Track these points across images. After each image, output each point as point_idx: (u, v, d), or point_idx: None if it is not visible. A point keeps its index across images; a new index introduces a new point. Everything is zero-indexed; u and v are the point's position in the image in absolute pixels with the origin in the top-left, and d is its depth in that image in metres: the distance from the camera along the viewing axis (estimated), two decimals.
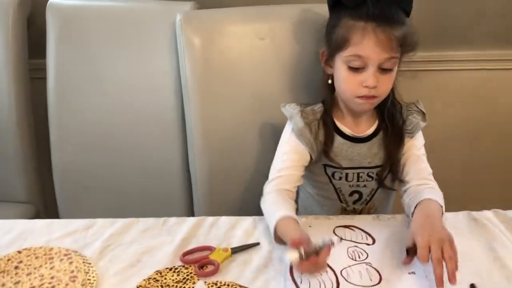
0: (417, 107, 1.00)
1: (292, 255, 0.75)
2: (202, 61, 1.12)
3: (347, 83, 0.93)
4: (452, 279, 0.72)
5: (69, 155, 1.26)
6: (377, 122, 1.00)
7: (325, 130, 0.98)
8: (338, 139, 0.98)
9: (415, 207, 0.88)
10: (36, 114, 1.38)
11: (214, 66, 1.13)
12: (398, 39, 0.89)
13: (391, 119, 0.99)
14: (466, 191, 1.61)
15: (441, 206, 0.88)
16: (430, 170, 0.98)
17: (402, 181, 0.99)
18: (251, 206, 1.18)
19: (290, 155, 0.98)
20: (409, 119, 0.99)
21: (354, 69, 0.90)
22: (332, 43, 0.94)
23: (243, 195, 1.18)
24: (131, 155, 1.24)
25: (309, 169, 1.01)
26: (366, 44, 0.88)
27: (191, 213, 1.25)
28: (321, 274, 0.77)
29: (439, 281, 0.72)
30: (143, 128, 1.22)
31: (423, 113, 1.00)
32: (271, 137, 1.12)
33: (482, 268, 0.78)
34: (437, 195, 0.91)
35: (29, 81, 1.35)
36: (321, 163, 1.00)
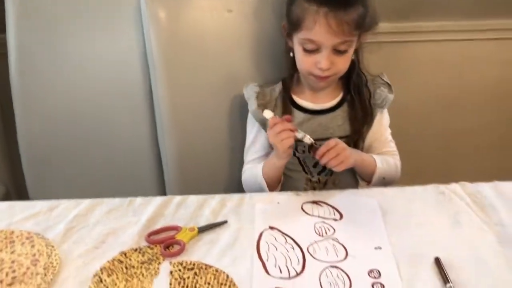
0: (382, 80, 1.01)
1: (267, 113, 0.89)
2: (168, 35, 1.09)
3: (302, 63, 0.94)
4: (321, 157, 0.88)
5: (35, 132, 1.22)
6: (341, 94, 1.01)
7: (282, 108, 1.00)
8: (297, 114, 1.00)
9: None
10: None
11: (180, 40, 1.10)
12: (353, 22, 0.88)
13: (357, 92, 0.99)
14: (440, 161, 1.64)
15: (376, 163, 0.97)
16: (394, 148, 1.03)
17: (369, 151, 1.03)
18: (222, 182, 1.18)
19: (253, 147, 1.04)
20: (377, 92, 1.00)
21: (309, 51, 0.91)
22: (289, 21, 0.94)
23: (214, 169, 1.17)
24: (98, 132, 1.20)
25: None
26: (318, 30, 0.88)
27: (162, 189, 1.24)
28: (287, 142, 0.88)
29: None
30: (110, 104, 1.19)
31: (389, 85, 1.00)
32: (241, 109, 1.12)
33: (447, 242, 0.79)
34: (380, 157, 0.98)
35: None
36: None
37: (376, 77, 1.02)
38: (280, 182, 1.01)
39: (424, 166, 1.52)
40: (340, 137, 0.98)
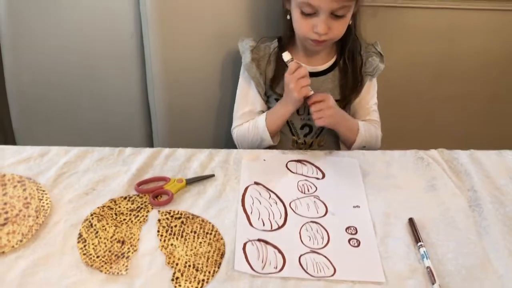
0: (375, 49, 1.03)
1: (286, 55, 0.94)
2: None
3: (299, 26, 0.95)
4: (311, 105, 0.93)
5: (24, 82, 1.23)
6: (334, 58, 1.03)
7: (276, 65, 1.01)
8: None
9: None
10: None
11: None
12: None
13: (350, 58, 1.01)
14: (423, 127, 1.67)
15: (358, 127, 1.00)
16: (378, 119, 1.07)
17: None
18: (210, 137, 1.21)
19: (244, 100, 1.05)
20: (369, 61, 1.02)
21: (306, 14, 0.92)
22: None
23: (202, 124, 1.20)
24: (89, 82, 1.21)
25: (269, 102, 1.05)
26: None
27: (150, 142, 1.26)
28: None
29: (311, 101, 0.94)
30: (101, 55, 1.19)
31: (381, 55, 1.02)
32: (233, 65, 1.13)
33: (421, 204, 0.84)
34: (364, 125, 1.02)
35: None
36: (274, 97, 1.03)
37: (369, 45, 1.04)
38: (278, 136, 1.04)
39: (408, 132, 1.56)
40: None
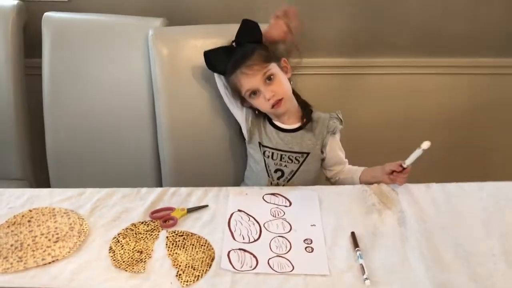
0: (337, 115, 1.34)
1: None
2: (169, 67, 1.42)
3: (259, 105, 1.29)
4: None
5: (61, 140, 1.55)
6: (300, 123, 1.34)
7: (265, 122, 1.35)
8: (269, 128, 1.33)
9: (362, 173, 1.33)
10: (31, 106, 1.64)
11: (179, 72, 1.42)
12: (258, 62, 1.23)
13: (310, 120, 1.34)
14: None
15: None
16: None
17: (327, 167, 1.38)
18: (208, 180, 1.49)
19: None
20: (330, 123, 1.33)
21: (254, 95, 1.27)
22: (232, 92, 1.32)
23: (202, 171, 1.49)
24: (112, 140, 1.53)
25: (252, 147, 1.35)
26: (244, 81, 1.25)
27: (159, 184, 1.55)
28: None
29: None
30: (121, 118, 1.51)
31: (341, 120, 1.34)
32: (226, 127, 1.44)
33: (361, 222, 1.12)
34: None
35: (24, 77, 1.60)
36: (258, 141, 1.33)
37: (333, 113, 1.34)
38: None
39: None
40: (296, 152, 1.31)
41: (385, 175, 1.23)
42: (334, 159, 1.37)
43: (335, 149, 1.36)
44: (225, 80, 1.31)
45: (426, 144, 1.14)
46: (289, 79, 1.31)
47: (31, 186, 1.69)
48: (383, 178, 1.24)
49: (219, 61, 1.29)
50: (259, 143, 1.33)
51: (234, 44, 1.29)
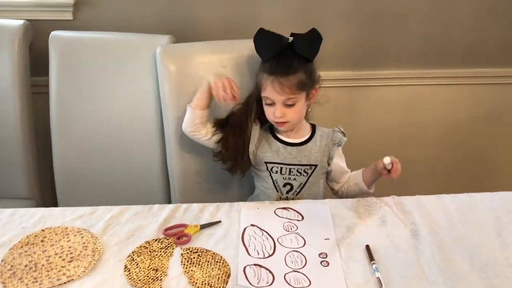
0: (340, 129, 1.36)
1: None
2: (177, 84, 1.43)
3: (266, 113, 1.30)
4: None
5: (69, 159, 1.55)
6: (308, 135, 1.36)
7: (269, 138, 1.35)
8: (275, 143, 1.34)
9: (363, 175, 1.35)
10: (37, 124, 1.64)
11: (186, 88, 1.42)
12: (293, 86, 1.23)
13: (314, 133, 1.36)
14: (389, 186, 1.93)
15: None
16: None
17: (334, 180, 1.39)
18: (216, 196, 1.50)
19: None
20: (335, 135, 1.35)
21: (269, 104, 1.28)
22: (256, 85, 1.32)
23: (210, 187, 1.50)
24: (120, 158, 1.53)
25: (258, 168, 1.36)
26: (269, 90, 1.25)
27: (168, 201, 1.56)
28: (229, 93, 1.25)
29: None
30: (130, 136, 1.52)
31: (344, 133, 1.35)
32: None
33: (375, 235, 1.12)
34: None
35: (30, 95, 1.61)
36: (264, 161, 1.33)
37: (335, 127, 1.36)
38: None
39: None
40: (304, 165, 1.32)
41: (381, 171, 1.25)
42: (340, 170, 1.38)
43: (341, 161, 1.38)
44: (258, 69, 1.31)
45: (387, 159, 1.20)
46: (308, 105, 1.34)
47: (38, 206, 1.68)
48: (381, 172, 1.25)
49: (266, 48, 1.27)
50: (265, 163, 1.33)
51: (291, 38, 1.26)
